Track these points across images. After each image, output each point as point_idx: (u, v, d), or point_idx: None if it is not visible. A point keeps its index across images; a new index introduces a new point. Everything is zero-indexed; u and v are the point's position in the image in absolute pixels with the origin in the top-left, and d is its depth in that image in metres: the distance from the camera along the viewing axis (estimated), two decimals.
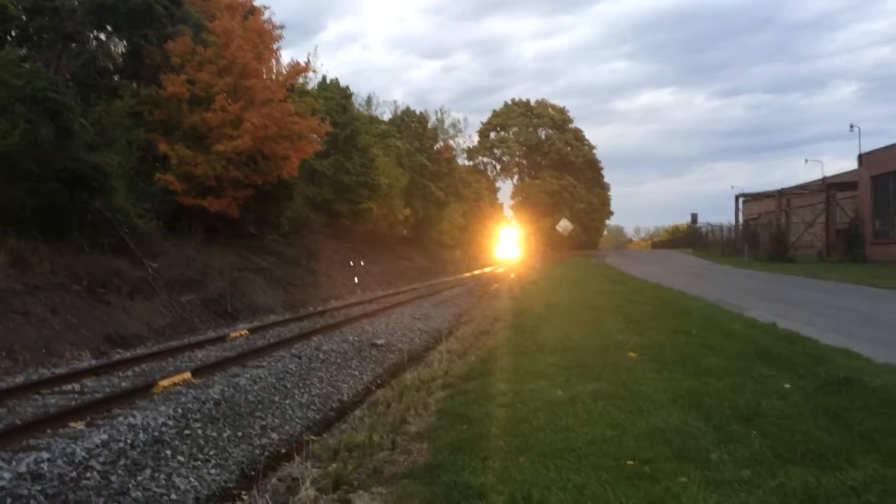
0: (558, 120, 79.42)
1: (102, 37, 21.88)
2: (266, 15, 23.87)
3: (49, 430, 7.72)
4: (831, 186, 39.71)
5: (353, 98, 40.95)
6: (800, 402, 6.34)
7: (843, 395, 6.44)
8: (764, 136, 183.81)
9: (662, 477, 4.59)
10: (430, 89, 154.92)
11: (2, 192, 14.90)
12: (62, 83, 17.24)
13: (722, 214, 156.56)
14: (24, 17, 19.43)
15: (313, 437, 8.22)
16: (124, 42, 22.24)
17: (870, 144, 57.44)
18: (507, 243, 59.42)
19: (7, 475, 6.32)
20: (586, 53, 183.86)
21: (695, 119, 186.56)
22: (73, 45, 19.99)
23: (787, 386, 6.94)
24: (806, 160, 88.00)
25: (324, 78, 37.40)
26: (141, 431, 7.91)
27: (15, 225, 14.98)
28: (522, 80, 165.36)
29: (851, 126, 41.81)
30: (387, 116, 53.66)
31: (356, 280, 29.92)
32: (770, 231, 41.30)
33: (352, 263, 30.86)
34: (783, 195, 43.91)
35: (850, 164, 37.90)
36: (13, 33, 19.52)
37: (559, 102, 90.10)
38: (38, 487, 6.32)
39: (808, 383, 7.01)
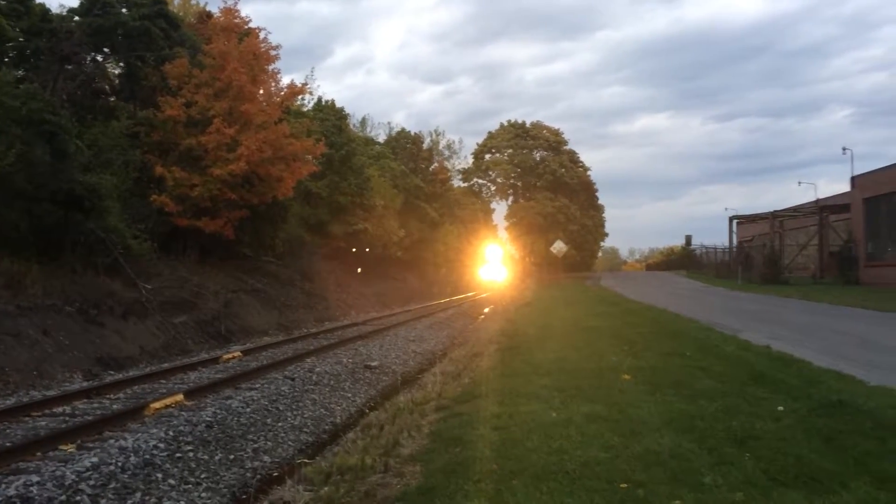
0: (553, 142, 79.77)
1: (99, 58, 22.02)
2: (262, 35, 24.03)
3: (39, 453, 7.65)
4: (824, 209, 39.83)
5: (349, 119, 41.16)
6: (793, 424, 6.33)
7: (836, 418, 6.43)
8: (759, 159, 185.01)
9: (656, 500, 4.58)
10: (432, 112, 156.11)
11: None
12: (58, 104, 17.31)
13: (716, 236, 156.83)
14: (21, 39, 19.55)
15: (305, 460, 8.16)
16: (121, 64, 22.39)
17: (863, 167, 57.98)
18: (500, 265, 59.36)
19: None
20: (586, 78, 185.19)
21: (690, 143, 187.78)
22: (70, 66, 20.09)
23: (780, 408, 6.93)
24: (800, 183, 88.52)
25: (319, 99, 37.61)
26: (132, 454, 7.84)
27: (8, 246, 14.95)
28: (523, 103, 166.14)
29: (844, 149, 42.12)
30: (382, 137, 53.98)
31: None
32: (764, 253, 41.35)
33: None
34: (776, 217, 44.06)
35: (844, 187, 38.01)
36: (10, 54, 19.63)
37: (559, 126, 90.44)
38: None
39: (801, 406, 7.00)
